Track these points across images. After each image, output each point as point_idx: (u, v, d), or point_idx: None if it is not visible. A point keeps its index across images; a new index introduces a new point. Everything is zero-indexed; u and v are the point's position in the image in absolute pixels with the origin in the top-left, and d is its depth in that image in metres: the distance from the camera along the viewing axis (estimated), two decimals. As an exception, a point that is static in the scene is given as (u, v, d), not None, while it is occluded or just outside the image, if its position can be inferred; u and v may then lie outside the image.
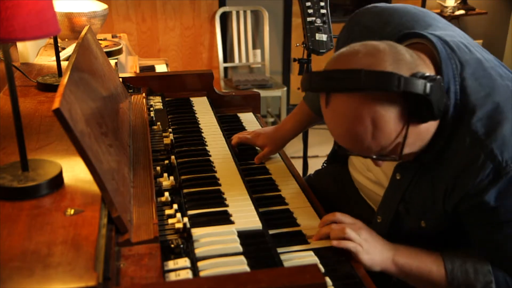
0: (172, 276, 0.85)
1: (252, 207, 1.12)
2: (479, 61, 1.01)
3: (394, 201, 1.13)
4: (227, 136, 1.52)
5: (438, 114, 0.92)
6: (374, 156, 0.96)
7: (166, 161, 1.25)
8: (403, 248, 1.09)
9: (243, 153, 1.47)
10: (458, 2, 4.24)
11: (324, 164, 1.58)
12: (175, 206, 1.04)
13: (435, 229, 1.08)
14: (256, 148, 1.50)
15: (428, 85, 0.88)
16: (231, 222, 1.05)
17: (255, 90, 3.42)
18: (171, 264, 0.88)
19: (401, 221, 1.13)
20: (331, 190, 1.45)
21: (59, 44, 1.57)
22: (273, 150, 1.45)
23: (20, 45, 1.84)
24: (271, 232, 1.07)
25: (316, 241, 1.07)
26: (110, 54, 1.97)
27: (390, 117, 0.90)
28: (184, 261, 0.88)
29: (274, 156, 1.47)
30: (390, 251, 1.07)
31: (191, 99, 1.79)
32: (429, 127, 0.97)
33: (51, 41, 2.16)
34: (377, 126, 0.90)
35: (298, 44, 2.59)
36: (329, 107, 0.94)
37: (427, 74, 0.90)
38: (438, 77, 0.91)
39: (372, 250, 1.05)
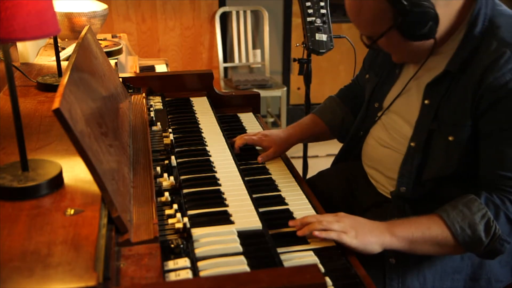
0: (172, 276, 0.85)
1: (252, 207, 1.12)
2: None
3: (426, 124, 1.19)
4: (227, 136, 1.52)
5: (415, 38, 1.11)
6: (367, 37, 1.18)
7: (166, 161, 1.25)
8: (397, 220, 1.11)
9: (243, 153, 1.47)
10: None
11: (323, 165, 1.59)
12: (175, 206, 1.04)
13: (461, 145, 1.13)
14: (257, 148, 1.50)
15: (408, 7, 1.06)
16: (231, 222, 1.05)
17: (255, 90, 3.42)
18: (171, 264, 0.88)
19: (431, 140, 1.18)
20: (334, 188, 1.45)
21: (59, 44, 1.57)
22: (277, 152, 1.46)
23: (20, 45, 1.84)
24: (271, 232, 1.07)
25: (316, 242, 1.07)
26: (110, 54, 1.97)
27: (372, 7, 1.12)
28: (184, 261, 0.88)
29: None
30: (382, 226, 1.08)
31: (191, 99, 1.79)
32: (418, 44, 1.15)
33: (51, 41, 2.15)
34: (361, 10, 1.14)
35: (298, 44, 2.59)
36: None
37: (426, 4, 1.07)
38: (428, 12, 1.08)
39: (360, 232, 1.05)
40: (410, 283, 1.16)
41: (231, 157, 1.37)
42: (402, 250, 1.09)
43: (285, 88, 3.73)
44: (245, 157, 1.45)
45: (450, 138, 1.14)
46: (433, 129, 1.18)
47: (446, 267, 1.17)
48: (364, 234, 1.05)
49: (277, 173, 1.38)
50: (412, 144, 1.21)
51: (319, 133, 1.56)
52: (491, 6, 1.15)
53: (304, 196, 1.26)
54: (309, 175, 1.82)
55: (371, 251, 1.06)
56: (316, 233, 1.05)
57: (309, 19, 2.45)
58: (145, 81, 1.79)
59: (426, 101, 1.20)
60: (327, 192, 1.45)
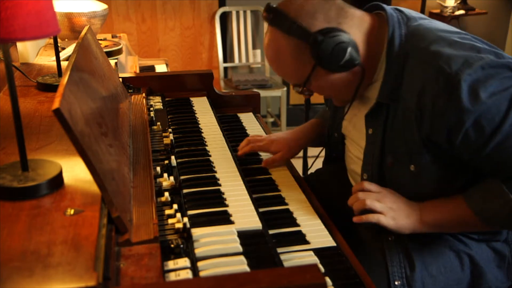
0: (172, 276, 0.85)
1: (252, 207, 1.12)
2: (431, 23, 1.14)
3: (375, 155, 1.19)
4: (227, 136, 1.52)
5: (340, 69, 1.10)
6: (302, 87, 1.16)
7: (166, 161, 1.25)
8: (428, 204, 1.15)
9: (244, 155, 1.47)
10: (458, 2, 4.24)
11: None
12: (175, 206, 1.04)
13: (426, 171, 1.11)
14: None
15: (320, 38, 1.06)
16: (231, 222, 1.05)
17: (255, 90, 3.42)
18: (171, 264, 0.88)
19: (392, 173, 1.17)
20: (332, 187, 1.45)
21: (59, 44, 1.57)
22: (285, 155, 1.42)
23: (20, 45, 1.84)
24: (271, 232, 1.07)
25: (315, 241, 1.07)
26: (110, 54, 1.97)
27: (289, 52, 1.12)
28: (184, 261, 0.88)
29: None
30: (416, 211, 1.14)
31: (191, 99, 1.79)
32: (348, 75, 1.13)
33: (51, 41, 2.16)
34: (280, 57, 1.14)
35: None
36: None
37: (339, 30, 1.08)
38: (343, 38, 1.07)
39: (397, 215, 1.12)
40: None
41: (231, 157, 1.37)
42: (430, 232, 1.15)
43: (285, 88, 3.73)
44: (245, 157, 1.45)
45: (412, 168, 1.12)
46: (392, 162, 1.15)
47: (448, 280, 1.17)
48: (400, 217, 1.12)
49: (277, 173, 1.38)
50: (364, 176, 1.22)
51: (323, 132, 1.53)
52: (405, 24, 1.12)
53: (304, 196, 1.26)
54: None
55: (402, 233, 1.14)
56: (356, 219, 1.13)
57: (309, 19, 2.44)
58: (145, 81, 1.79)
59: (370, 131, 1.20)
60: (324, 189, 1.45)
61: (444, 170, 1.12)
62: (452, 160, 1.09)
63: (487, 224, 1.10)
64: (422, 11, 4.24)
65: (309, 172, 1.63)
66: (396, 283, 1.13)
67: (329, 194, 1.43)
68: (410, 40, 1.10)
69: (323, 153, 1.47)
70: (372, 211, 1.13)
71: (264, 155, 1.47)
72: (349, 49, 1.08)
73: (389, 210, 1.12)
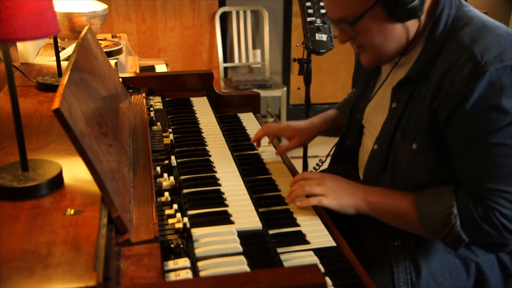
0: (172, 276, 0.85)
1: (252, 207, 1.12)
2: (481, 14, 1.12)
3: (390, 128, 1.19)
4: (227, 136, 1.52)
5: (402, 14, 1.05)
6: (342, 24, 1.10)
7: (166, 161, 1.25)
8: (376, 188, 1.17)
9: (244, 154, 1.47)
10: (458, 2, 4.25)
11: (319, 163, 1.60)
12: (175, 206, 1.04)
13: (425, 153, 1.11)
14: (256, 150, 1.50)
15: None
16: (231, 222, 1.05)
17: (255, 90, 3.42)
18: (171, 264, 0.88)
19: (397, 149, 1.17)
20: None
21: (59, 44, 1.57)
22: (300, 142, 1.47)
23: (20, 45, 1.84)
24: (271, 232, 1.07)
25: (315, 241, 1.07)
26: (110, 54, 1.97)
27: None
28: (184, 261, 0.88)
29: (275, 156, 1.47)
30: (360, 190, 1.16)
31: (191, 99, 1.79)
32: (399, 30, 1.09)
33: (51, 41, 2.16)
34: None
35: (298, 44, 2.59)
36: None
37: None
38: None
39: (339, 195, 1.15)
40: None
41: (231, 157, 1.37)
42: (371, 215, 1.16)
43: (285, 88, 3.73)
44: (246, 159, 1.45)
45: (414, 146, 1.12)
46: (399, 138, 1.15)
47: (454, 287, 1.17)
48: (343, 197, 1.15)
49: (277, 173, 1.38)
50: (375, 146, 1.23)
51: (341, 123, 1.54)
52: (456, 6, 1.11)
53: (304, 196, 1.26)
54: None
55: (347, 213, 1.15)
56: (298, 203, 1.16)
57: (309, 19, 2.45)
58: (145, 81, 1.79)
59: (393, 105, 1.19)
60: None
61: (441, 159, 1.11)
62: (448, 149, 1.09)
63: (420, 223, 1.09)
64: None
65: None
66: None
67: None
68: (456, 23, 1.09)
69: (325, 153, 1.48)
70: (313, 195, 1.16)
71: (264, 155, 1.47)
72: None
73: (330, 192, 1.14)
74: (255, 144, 1.51)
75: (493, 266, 1.20)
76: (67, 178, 0.96)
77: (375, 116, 1.29)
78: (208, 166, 1.30)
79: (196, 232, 1.00)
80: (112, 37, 2.47)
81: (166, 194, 1.09)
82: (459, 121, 1.03)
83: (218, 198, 1.15)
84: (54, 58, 1.58)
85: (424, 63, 1.11)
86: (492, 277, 1.18)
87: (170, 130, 1.43)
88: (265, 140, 1.56)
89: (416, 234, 1.15)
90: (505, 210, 1.03)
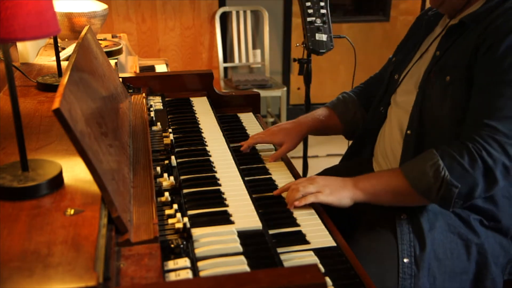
0: (172, 276, 0.85)
1: (252, 207, 1.12)
2: None
3: (427, 71, 1.26)
4: (227, 136, 1.52)
5: None
6: None
7: (166, 161, 1.25)
8: (362, 175, 1.21)
9: (244, 155, 1.47)
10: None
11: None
12: (175, 206, 1.04)
13: (456, 85, 1.16)
14: (256, 148, 1.50)
15: None
16: (231, 222, 1.05)
17: (255, 90, 3.43)
18: (171, 264, 0.88)
19: (429, 85, 1.23)
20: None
21: (59, 44, 1.57)
22: (290, 147, 1.46)
23: (20, 45, 1.84)
24: (271, 232, 1.07)
25: (315, 241, 1.07)
26: (110, 54, 1.97)
27: None
28: (184, 261, 0.88)
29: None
30: (349, 181, 1.19)
31: (191, 99, 1.79)
32: None
33: (51, 41, 2.15)
34: None
35: (298, 44, 2.59)
36: None
37: None
38: None
39: (334, 189, 1.17)
40: (422, 283, 1.17)
41: (231, 157, 1.37)
42: (368, 201, 1.18)
43: (285, 88, 3.73)
44: (245, 157, 1.45)
45: (447, 79, 1.17)
46: (435, 73, 1.22)
47: (454, 267, 1.19)
48: (337, 191, 1.17)
49: (277, 173, 1.38)
50: (408, 132, 1.28)
51: (331, 125, 1.56)
52: None
53: (304, 196, 1.26)
54: (309, 175, 1.82)
55: (345, 205, 1.17)
56: (296, 203, 1.16)
57: (309, 19, 2.45)
58: (145, 81, 1.79)
59: (437, 53, 1.26)
60: None
61: (464, 96, 1.15)
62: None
63: (413, 188, 1.13)
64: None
65: (309, 174, 1.65)
66: (405, 260, 1.15)
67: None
68: None
69: (325, 153, 1.49)
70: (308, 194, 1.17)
71: (262, 152, 1.48)
72: None
73: (324, 188, 1.17)
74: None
75: (494, 250, 1.21)
76: (67, 178, 0.96)
77: (417, 69, 1.33)
78: (208, 166, 1.30)
79: (196, 232, 1.00)
80: (112, 37, 2.47)
81: (166, 194, 1.09)
82: (491, 56, 1.10)
83: (218, 198, 1.15)
84: (54, 58, 1.58)
85: (481, 11, 1.18)
86: (493, 261, 1.19)
87: (170, 130, 1.43)
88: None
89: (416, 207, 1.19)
90: (493, 151, 1.07)
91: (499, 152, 1.07)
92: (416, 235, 1.18)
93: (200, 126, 1.56)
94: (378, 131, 1.45)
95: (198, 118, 1.63)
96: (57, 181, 0.94)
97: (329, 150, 3.57)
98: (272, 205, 1.20)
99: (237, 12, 3.95)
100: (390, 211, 1.23)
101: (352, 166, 1.53)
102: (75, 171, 0.99)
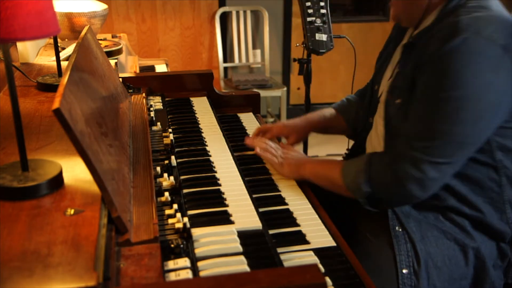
0: (172, 276, 0.85)
1: (252, 207, 1.12)
2: (498, 7, 1.16)
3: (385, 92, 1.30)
4: (227, 136, 1.52)
5: None
6: None
7: (166, 161, 1.25)
8: (317, 160, 1.36)
9: (244, 155, 1.47)
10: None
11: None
12: (175, 206, 1.04)
13: (406, 106, 1.18)
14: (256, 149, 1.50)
15: None
16: (231, 222, 1.05)
17: (255, 90, 3.42)
18: (171, 264, 0.88)
19: (386, 107, 1.28)
20: None
21: (59, 44, 1.57)
22: (294, 140, 1.54)
23: (20, 45, 1.84)
24: (271, 232, 1.07)
25: (315, 241, 1.07)
26: (110, 54, 1.97)
27: None
28: (184, 261, 0.88)
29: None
30: (304, 160, 1.33)
31: (191, 99, 1.79)
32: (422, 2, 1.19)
33: (51, 41, 2.15)
34: None
35: (298, 44, 2.59)
36: None
37: None
38: None
39: (291, 166, 1.32)
40: None
41: (231, 157, 1.37)
42: (311, 181, 1.30)
43: (285, 88, 3.73)
44: (246, 159, 1.45)
45: (398, 101, 1.20)
46: (389, 92, 1.26)
47: (452, 273, 1.18)
48: (291, 168, 1.32)
49: (277, 173, 1.38)
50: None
51: (336, 125, 1.60)
52: None
53: (304, 196, 1.26)
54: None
55: (292, 179, 1.32)
56: (258, 150, 1.38)
57: (309, 19, 2.45)
58: (145, 81, 1.79)
59: (395, 71, 1.28)
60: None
61: None
62: None
63: (343, 182, 1.22)
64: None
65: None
66: (404, 271, 1.16)
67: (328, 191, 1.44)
68: (466, 5, 1.13)
69: (325, 153, 1.53)
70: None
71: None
72: None
73: (286, 161, 1.34)
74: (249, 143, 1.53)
75: (492, 254, 1.21)
76: (67, 178, 0.96)
77: (387, 84, 1.36)
78: (208, 166, 1.30)
79: (196, 232, 1.00)
80: (112, 37, 2.47)
81: (166, 194, 1.09)
82: (425, 72, 1.10)
83: (218, 198, 1.15)
84: (54, 58, 1.58)
85: (427, 29, 1.18)
86: (491, 266, 1.19)
87: (170, 130, 1.43)
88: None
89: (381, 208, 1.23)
90: (408, 166, 1.11)
91: (413, 167, 1.11)
92: (413, 245, 1.19)
93: (200, 126, 1.56)
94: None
95: (198, 118, 1.63)
96: (57, 181, 0.94)
97: (329, 150, 3.57)
98: (272, 205, 1.20)
99: (237, 12, 3.95)
100: (385, 222, 1.23)
101: None
102: (75, 171, 0.99)
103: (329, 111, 1.61)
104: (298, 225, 1.13)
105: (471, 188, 1.19)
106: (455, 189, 1.18)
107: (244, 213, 1.10)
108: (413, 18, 1.25)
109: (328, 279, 0.94)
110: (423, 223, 1.22)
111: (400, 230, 1.21)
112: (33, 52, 2.03)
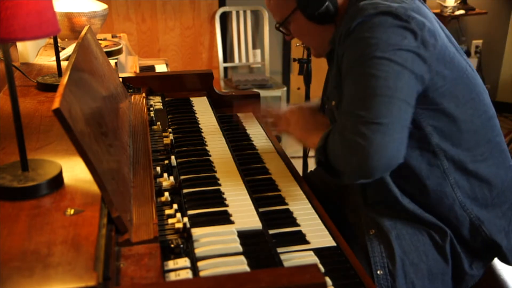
0: (172, 276, 0.85)
1: (252, 207, 1.12)
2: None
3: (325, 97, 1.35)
4: (227, 136, 1.52)
5: (310, 13, 1.21)
6: (280, 24, 1.30)
7: (166, 161, 1.25)
8: (308, 129, 1.34)
9: (244, 155, 1.47)
10: (458, 2, 4.24)
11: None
12: (175, 206, 1.04)
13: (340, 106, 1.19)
14: (256, 150, 1.50)
15: None
16: (231, 222, 1.05)
17: (255, 90, 3.42)
18: (171, 264, 0.88)
19: (326, 111, 1.32)
20: (331, 183, 1.46)
21: (59, 44, 1.57)
22: (284, 128, 1.55)
23: (20, 45, 1.84)
24: (271, 232, 1.07)
25: (315, 241, 1.07)
26: (110, 54, 1.97)
27: None
28: (184, 261, 0.88)
29: (274, 155, 1.47)
30: (298, 130, 1.36)
31: (191, 99, 1.79)
32: (323, 29, 1.25)
33: (51, 41, 2.15)
34: None
35: (298, 44, 2.58)
36: None
37: None
38: None
39: (290, 129, 1.37)
40: None
41: (231, 157, 1.37)
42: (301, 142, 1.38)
43: (285, 88, 3.73)
44: (246, 159, 1.45)
45: (333, 103, 1.21)
46: (325, 101, 1.29)
47: (432, 269, 1.18)
48: (290, 129, 1.36)
49: (277, 173, 1.38)
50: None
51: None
52: None
53: (304, 196, 1.26)
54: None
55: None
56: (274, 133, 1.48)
57: (309, 19, 2.44)
58: (145, 81, 1.79)
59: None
60: (323, 185, 1.45)
61: None
62: None
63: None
64: (422, 11, 4.24)
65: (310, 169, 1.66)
66: (378, 272, 1.15)
67: (329, 189, 1.44)
68: (361, 9, 1.14)
69: None
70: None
71: (264, 155, 1.47)
72: (326, 3, 1.20)
73: (290, 130, 1.37)
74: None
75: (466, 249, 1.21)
76: (67, 178, 0.96)
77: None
78: (208, 166, 1.30)
79: (196, 232, 1.00)
80: (112, 37, 2.47)
81: (166, 194, 1.10)
82: (344, 55, 1.13)
83: (218, 198, 1.15)
84: (54, 58, 1.58)
85: (339, 33, 1.19)
86: (466, 261, 1.20)
87: (170, 130, 1.43)
88: (264, 138, 1.57)
89: (381, 213, 1.22)
90: (349, 127, 1.09)
91: (356, 135, 1.07)
92: (385, 245, 1.18)
93: (200, 126, 1.56)
94: None
95: (198, 118, 1.63)
96: (57, 181, 0.94)
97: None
98: (272, 205, 1.20)
99: (237, 12, 3.95)
100: (360, 228, 1.23)
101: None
102: (75, 171, 0.99)
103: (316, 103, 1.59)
104: (298, 225, 1.13)
105: (416, 180, 1.18)
106: (402, 187, 1.19)
107: (244, 213, 1.10)
108: (327, 46, 1.29)
109: (328, 279, 0.94)
110: (398, 221, 1.21)
111: (374, 231, 1.20)
112: (33, 52, 2.03)
